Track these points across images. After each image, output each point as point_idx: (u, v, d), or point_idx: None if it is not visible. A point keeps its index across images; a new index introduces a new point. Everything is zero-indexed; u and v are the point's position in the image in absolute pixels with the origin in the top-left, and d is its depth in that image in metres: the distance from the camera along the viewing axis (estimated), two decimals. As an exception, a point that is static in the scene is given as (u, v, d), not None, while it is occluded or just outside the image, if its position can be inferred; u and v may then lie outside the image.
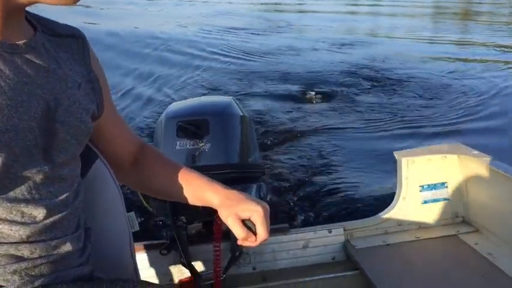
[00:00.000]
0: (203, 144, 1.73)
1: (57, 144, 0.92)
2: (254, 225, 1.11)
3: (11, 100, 0.82)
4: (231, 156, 1.77)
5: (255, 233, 1.11)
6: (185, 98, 4.59)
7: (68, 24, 1.05)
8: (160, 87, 6.64)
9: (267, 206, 1.13)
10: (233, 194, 1.15)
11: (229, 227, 1.12)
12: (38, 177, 0.89)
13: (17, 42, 0.86)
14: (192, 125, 1.75)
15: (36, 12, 0.97)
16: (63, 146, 0.93)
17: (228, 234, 1.62)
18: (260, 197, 1.66)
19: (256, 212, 1.10)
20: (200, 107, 1.98)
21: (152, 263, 1.85)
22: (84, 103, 0.99)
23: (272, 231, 2.00)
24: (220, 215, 1.14)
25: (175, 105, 2.06)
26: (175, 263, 1.87)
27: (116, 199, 1.23)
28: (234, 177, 1.73)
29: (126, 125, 1.27)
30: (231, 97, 2.11)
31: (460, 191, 2.17)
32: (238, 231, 1.10)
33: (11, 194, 0.86)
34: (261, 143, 4.04)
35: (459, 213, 2.19)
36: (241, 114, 1.95)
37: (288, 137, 4.64)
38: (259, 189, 1.64)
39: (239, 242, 1.14)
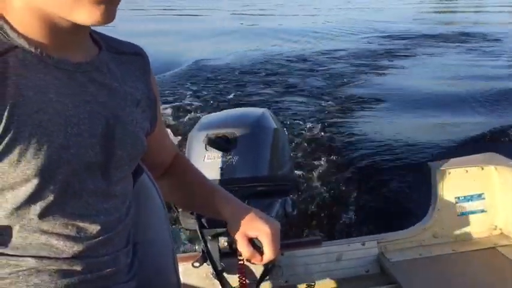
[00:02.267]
0: (231, 157, 1.74)
1: (114, 161, 0.94)
2: (261, 244, 1.10)
3: (73, 117, 0.85)
4: (259, 169, 1.76)
5: (262, 253, 1.10)
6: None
7: (131, 42, 1.08)
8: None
9: (277, 226, 1.12)
10: (245, 210, 1.14)
11: (236, 244, 1.12)
12: (95, 194, 0.91)
13: (81, 61, 0.89)
14: (220, 138, 1.75)
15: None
16: (120, 164, 0.95)
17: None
18: (285, 212, 1.65)
19: (263, 232, 1.09)
20: (230, 120, 1.99)
21: (185, 276, 1.85)
22: (140, 121, 1.01)
23: (304, 244, 2.00)
24: (229, 231, 1.14)
25: (207, 118, 2.08)
26: (207, 276, 1.87)
27: (160, 212, 1.24)
28: (260, 190, 1.73)
29: (168, 136, 1.29)
30: (264, 109, 2.11)
31: (497, 202, 2.11)
32: (243, 249, 1.10)
33: (68, 209, 0.88)
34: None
35: (497, 226, 2.13)
36: (274, 126, 1.94)
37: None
38: (284, 204, 1.63)
39: (246, 260, 1.14)
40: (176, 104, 6.34)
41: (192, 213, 1.63)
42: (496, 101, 6.10)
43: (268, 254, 1.09)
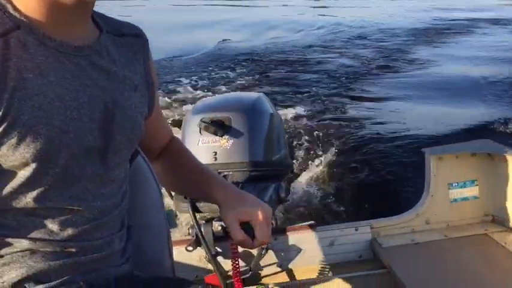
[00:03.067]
0: (225, 141, 1.73)
1: (113, 146, 0.93)
2: (253, 228, 1.10)
3: (73, 101, 0.84)
4: (253, 154, 1.75)
5: (254, 237, 1.10)
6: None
7: (131, 23, 1.07)
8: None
9: (268, 210, 1.12)
10: (238, 195, 1.14)
11: (227, 227, 1.12)
12: (93, 179, 0.91)
13: (82, 44, 0.88)
14: (214, 122, 1.75)
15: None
16: (118, 148, 0.95)
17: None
18: (278, 197, 1.64)
19: (255, 216, 1.09)
20: (224, 104, 1.97)
21: (178, 260, 1.86)
22: (139, 106, 1.01)
23: (298, 229, 2.01)
24: (220, 215, 1.14)
25: (202, 102, 2.07)
26: (200, 260, 1.87)
27: (155, 196, 1.24)
28: (254, 175, 1.72)
29: (164, 119, 1.29)
30: (260, 93, 2.09)
31: (490, 189, 2.12)
32: (235, 233, 1.09)
33: (66, 193, 0.88)
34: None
35: (489, 212, 2.14)
36: (269, 111, 1.93)
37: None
38: (277, 188, 1.62)
39: (237, 245, 1.13)
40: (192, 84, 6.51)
41: (185, 197, 1.63)
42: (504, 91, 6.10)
43: (260, 238, 1.09)
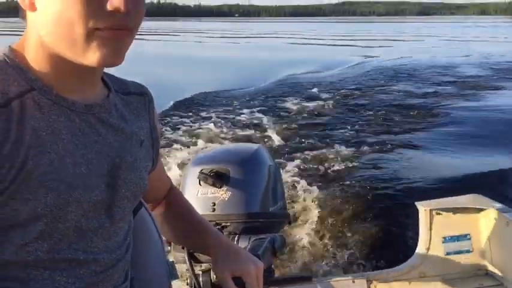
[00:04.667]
0: (223, 192, 1.77)
1: (118, 200, 0.97)
2: (244, 284, 1.13)
3: (82, 158, 0.89)
4: (251, 205, 1.79)
5: None
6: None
7: (136, 81, 1.13)
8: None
9: (260, 266, 1.16)
10: (230, 249, 1.19)
11: (220, 281, 1.15)
12: (99, 233, 0.94)
13: (92, 103, 0.93)
14: (213, 174, 1.79)
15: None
16: (123, 203, 0.99)
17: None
18: (274, 249, 1.67)
19: (246, 272, 1.13)
20: (223, 156, 2.03)
21: None
22: (143, 161, 1.05)
23: (295, 280, 2.02)
24: (212, 268, 1.18)
25: (202, 153, 2.13)
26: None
27: (158, 248, 1.27)
28: (250, 226, 1.75)
29: (164, 170, 1.33)
30: (259, 145, 2.14)
31: (483, 243, 2.16)
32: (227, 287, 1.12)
33: (74, 246, 0.91)
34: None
35: (482, 266, 2.17)
36: (267, 162, 1.98)
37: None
38: (273, 240, 1.65)
39: None
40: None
41: (183, 247, 1.66)
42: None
43: None
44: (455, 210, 2.17)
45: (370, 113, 8.12)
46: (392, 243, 3.39)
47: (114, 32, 0.83)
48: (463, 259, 2.17)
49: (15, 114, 0.82)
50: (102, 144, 0.93)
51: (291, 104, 8.82)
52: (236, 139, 6.25)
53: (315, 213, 3.97)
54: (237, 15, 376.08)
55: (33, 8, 0.84)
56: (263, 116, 7.78)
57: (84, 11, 0.80)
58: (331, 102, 8.96)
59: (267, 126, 7.11)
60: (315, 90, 10.20)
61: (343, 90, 10.20)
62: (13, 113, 0.81)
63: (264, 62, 15.89)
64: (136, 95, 1.09)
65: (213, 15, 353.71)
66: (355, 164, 5.33)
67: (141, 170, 1.03)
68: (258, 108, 8.35)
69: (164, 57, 19.16)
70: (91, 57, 0.84)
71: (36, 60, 0.87)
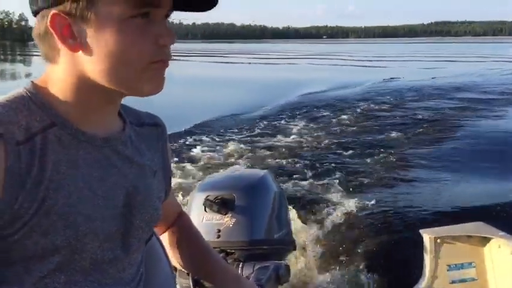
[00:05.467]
0: (228, 219, 1.79)
1: (133, 231, 0.99)
2: None
3: (100, 190, 0.92)
4: (255, 232, 1.80)
5: None
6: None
7: (150, 112, 1.16)
8: None
9: None
10: (235, 280, 1.22)
11: None
12: (113, 263, 0.96)
13: (109, 136, 0.96)
14: (218, 200, 1.81)
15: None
16: (137, 233, 1.01)
17: None
18: (278, 276, 1.67)
19: None
20: (229, 182, 2.04)
21: None
22: (157, 191, 1.08)
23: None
24: None
25: (208, 179, 2.15)
26: None
27: (168, 277, 1.27)
28: (255, 253, 1.76)
29: (174, 196, 1.35)
30: (265, 171, 2.16)
31: (487, 271, 2.15)
32: None
33: (89, 278, 0.92)
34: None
35: None
36: (273, 189, 2.00)
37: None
38: (277, 268, 1.65)
39: None
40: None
41: (188, 274, 1.67)
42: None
43: None
44: (460, 238, 2.18)
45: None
46: (398, 272, 3.37)
47: (163, 63, 0.90)
48: (468, 287, 2.16)
49: (38, 149, 0.85)
50: (118, 176, 0.96)
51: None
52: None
53: (318, 240, 3.96)
54: (325, 36, 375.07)
55: (76, 49, 0.87)
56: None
57: (144, 50, 0.87)
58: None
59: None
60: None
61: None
62: (36, 148, 0.85)
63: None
64: (150, 126, 1.12)
65: (300, 36, 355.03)
66: (360, 194, 5.33)
67: (155, 201, 1.06)
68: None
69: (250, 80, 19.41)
70: (146, 88, 0.90)
71: (61, 95, 0.90)
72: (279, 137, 7.73)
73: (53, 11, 0.84)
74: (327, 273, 3.49)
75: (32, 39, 0.92)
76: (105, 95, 0.91)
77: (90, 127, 0.93)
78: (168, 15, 0.90)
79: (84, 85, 0.90)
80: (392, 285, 3.05)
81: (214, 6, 0.92)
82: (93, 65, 0.87)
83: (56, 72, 0.91)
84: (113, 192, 0.94)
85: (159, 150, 1.12)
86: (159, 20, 0.88)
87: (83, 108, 0.92)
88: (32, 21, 0.91)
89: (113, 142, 0.97)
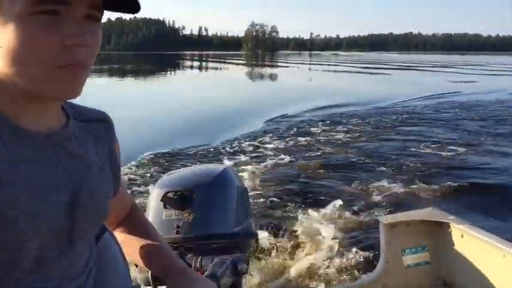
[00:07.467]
0: (187, 215, 1.79)
1: (78, 228, 0.98)
2: None
3: (42, 187, 0.90)
4: (214, 226, 1.82)
5: None
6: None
7: (96, 108, 1.14)
8: None
9: (212, 287, 1.20)
10: (183, 272, 1.21)
11: None
12: (60, 261, 0.95)
13: (51, 132, 0.94)
14: (177, 196, 1.82)
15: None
16: (84, 230, 0.99)
17: None
18: (236, 269, 1.69)
19: None
20: (188, 178, 2.04)
21: None
22: (104, 188, 1.06)
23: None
24: None
25: (166, 176, 2.15)
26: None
27: (123, 273, 1.26)
28: (215, 247, 1.77)
29: (126, 191, 1.34)
30: (225, 165, 2.16)
31: (440, 254, 2.24)
32: None
33: (36, 277, 0.91)
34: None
35: (440, 276, 2.25)
36: (234, 183, 2.00)
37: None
38: (235, 261, 1.67)
39: None
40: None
41: (147, 270, 1.67)
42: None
43: None
44: (413, 223, 2.25)
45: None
46: (356, 258, 3.44)
47: (75, 67, 0.86)
48: (422, 270, 2.24)
49: None
50: (62, 172, 0.94)
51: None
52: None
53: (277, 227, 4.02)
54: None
55: None
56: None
57: (44, 49, 0.82)
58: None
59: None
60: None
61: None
62: None
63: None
64: (97, 122, 1.11)
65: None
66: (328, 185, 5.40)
67: (102, 197, 1.05)
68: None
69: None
70: (56, 91, 0.86)
71: None
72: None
73: None
74: (288, 263, 3.52)
75: None
76: (29, 93, 0.88)
77: (31, 123, 0.92)
78: (92, 16, 0.85)
79: (9, 83, 0.88)
80: (351, 270, 3.11)
81: (139, 8, 0.88)
82: (3, 63, 0.86)
83: None
84: (56, 188, 0.93)
85: (105, 147, 1.11)
86: (74, 20, 0.83)
87: (20, 105, 0.90)
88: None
89: (56, 138, 0.95)
